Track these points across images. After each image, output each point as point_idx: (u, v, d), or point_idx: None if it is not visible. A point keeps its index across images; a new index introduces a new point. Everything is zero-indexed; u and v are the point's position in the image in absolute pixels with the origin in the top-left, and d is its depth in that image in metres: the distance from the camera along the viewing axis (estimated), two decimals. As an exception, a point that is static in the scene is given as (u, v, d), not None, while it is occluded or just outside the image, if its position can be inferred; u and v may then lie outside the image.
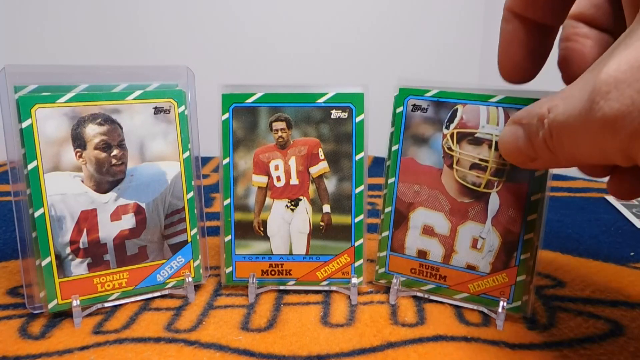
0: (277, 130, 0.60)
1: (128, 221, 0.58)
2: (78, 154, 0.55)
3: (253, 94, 0.59)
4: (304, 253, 0.62)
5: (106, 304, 0.57)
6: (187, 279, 0.60)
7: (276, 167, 0.60)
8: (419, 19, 1.35)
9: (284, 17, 1.34)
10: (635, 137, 0.29)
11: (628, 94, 0.29)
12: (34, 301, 0.55)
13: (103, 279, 0.57)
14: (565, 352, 0.50)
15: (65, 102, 0.53)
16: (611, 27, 0.43)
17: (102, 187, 0.56)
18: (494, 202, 0.55)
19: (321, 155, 0.60)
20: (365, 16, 1.35)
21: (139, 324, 0.54)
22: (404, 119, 0.59)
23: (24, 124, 0.51)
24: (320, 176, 0.61)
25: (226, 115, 0.59)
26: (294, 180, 0.61)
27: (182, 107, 0.58)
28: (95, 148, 0.55)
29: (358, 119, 0.59)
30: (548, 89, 0.53)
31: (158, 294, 0.60)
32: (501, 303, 0.55)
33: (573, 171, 1.20)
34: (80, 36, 1.32)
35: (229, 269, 0.62)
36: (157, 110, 0.57)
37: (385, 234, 0.61)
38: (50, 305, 0.54)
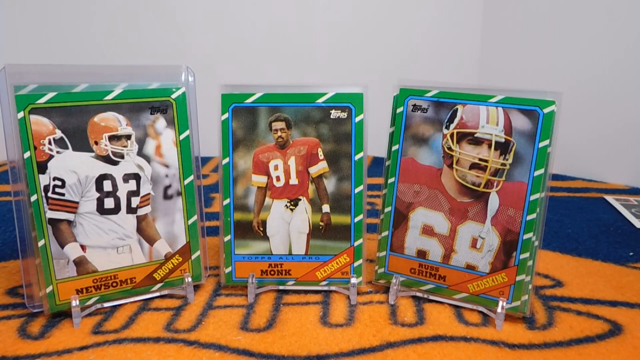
0: (276, 130, 0.60)
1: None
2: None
3: (253, 94, 0.59)
4: (304, 253, 0.62)
5: (106, 304, 0.58)
6: (186, 279, 0.60)
7: (275, 167, 0.60)
8: (419, 19, 1.35)
9: (284, 17, 1.34)
10: None
11: None
12: (34, 300, 0.55)
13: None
14: (564, 352, 0.50)
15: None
16: None
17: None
18: (494, 201, 0.55)
19: (320, 155, 0.60)
20: (365, 16, 1.35)
21: (138, 324, 0.54)
22: (404, 119, 0.59)
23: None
24: (320, 176, 0.61)
25: (226, 115, 0.59)
26: (294, 180, 0.61)
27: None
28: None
29: (357, 119, 0.59)
30: (548, 89, 0.54)
31: (157, 294, 0.60)
32: (500, 303, 0.55)
33: (573, 171, 1.20)
34: (80, 36, 1.32)
35: (229, 269, 0.62)
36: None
37: (384, 234, 0.61)
38: (49, 305, 0.54)
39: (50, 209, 0.53)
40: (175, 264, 0.60)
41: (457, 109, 0.56)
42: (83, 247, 0.55)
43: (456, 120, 0.56)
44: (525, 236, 0.54)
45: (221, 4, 1.32)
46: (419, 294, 0.61)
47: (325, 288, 0.62)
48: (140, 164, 0.57)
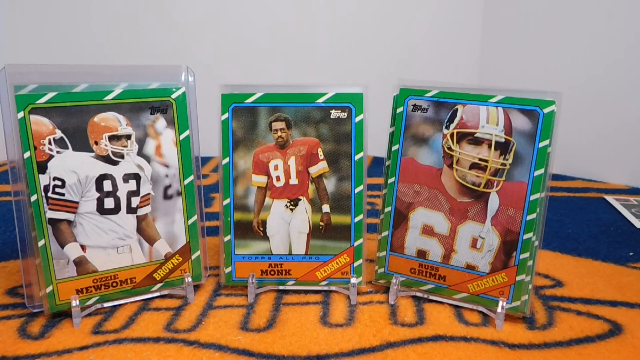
0: (276, 130, 0.60)
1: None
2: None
3: (253, 94, 0.59)
4: (304, 253, 0.62)
5: (106, 304, 0.58)
6: (186, 279, 0.60)
7: (275, 167, 0.60)
8: (419, 19, 1.35)
9: (284, 17, 1.34)
10: None
11: None
12: (34, 300, 0.55)
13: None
14: (564, 352, 0.50)
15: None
16: None
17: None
18: (494, 201, 0.55)
19: (320, 155, 0.60)
20: (365, 16, 1.35)
21: (138, 324, 0.54)
22: (404, 119, 0.59)
23: None
24: (320, 176, 0.61)
25: (226, 115, 0.59)
26: (294, 180, 0.61)
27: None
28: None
29: (357, 119, 0.59)
30: (548, 89, 0.54)
31: (157, 294, 0.60)
32: (500, 303, 0.55)
33: (573, 171, 1.20)
34: (80, 36, 1.32)
35: (229, 269, 0.62)
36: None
37: (384, 233, 0.61)
38: (49, 305, 0.54)
39: (50, 209, 0.53)
40: (175, 264, 0.60)
41: (457, 109, 0.56)
42: (83, 247, 0.55)
43: (456, 120, 0.56)
44: (525, 236, 0.54)
45: (221, 4, 1.32)
46: (419, 294, 0.61)
47: (325, 288, 0.62)
48: (140, 164, 0.57)
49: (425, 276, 0.60)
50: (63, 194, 0.54)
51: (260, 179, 0.61)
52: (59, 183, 0.53)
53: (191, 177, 0.59)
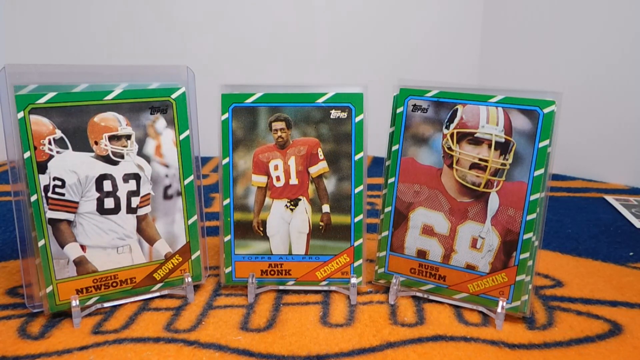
0: (276, 130, 0.60)
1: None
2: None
3: (253, 94, 0.59)
4: (304, 253, 0.62)
5: (106, 304, 0.58)
6: (186, 279, 0.60)
7: (275, 167, 0.60)
8: (419, 19, 1.35)
9: (284, 17, 1.34)
10: None
11: None
12: (34, 300, 0.55)
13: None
14: (564, 352, 0.50)
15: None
16: None
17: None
18: (494, 201, 0.55)
19: (320, 155, 0.60)
20: (365, 17, 1.35)
21: (138, 324, 0.54)
22: (404, 119, 0.59)
23: None
24: (320, 176, 0.61)
25: (226, 115, 0.59)
26: (294, 180, 0.61)
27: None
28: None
29: (357, 119, 0.59)
30: (548, 89, 0.54)
31: (157, 294, 0.60)
32: (500, 303, 0.55)
33: (573, 171, 1.20)
34: (80, 36, 1.32)
35: (229, 269, 0.62)
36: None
37: (384, 233, 0.61)
38: (49, 305, 0.54)
39: (50, 209, 0.53)
40: (175, 264, 0.60)
41: (457, 109, 0.56)
42: (83, 247, 0.55)
43: (456, 120, 0.56)
44: (525, 236, 0.54)
45: (221, 4, 1.32)
46: (419, 294, 0.61)
47: (325, 288, 0.62)
48: (140, 164, 0.57)
49: (425, 276, 0.60)
50: (63, 194, 0.54)
51: (260, 179, 0.61)
52: (59, 183, 0.53)
53: (191, 177, 0.59)
